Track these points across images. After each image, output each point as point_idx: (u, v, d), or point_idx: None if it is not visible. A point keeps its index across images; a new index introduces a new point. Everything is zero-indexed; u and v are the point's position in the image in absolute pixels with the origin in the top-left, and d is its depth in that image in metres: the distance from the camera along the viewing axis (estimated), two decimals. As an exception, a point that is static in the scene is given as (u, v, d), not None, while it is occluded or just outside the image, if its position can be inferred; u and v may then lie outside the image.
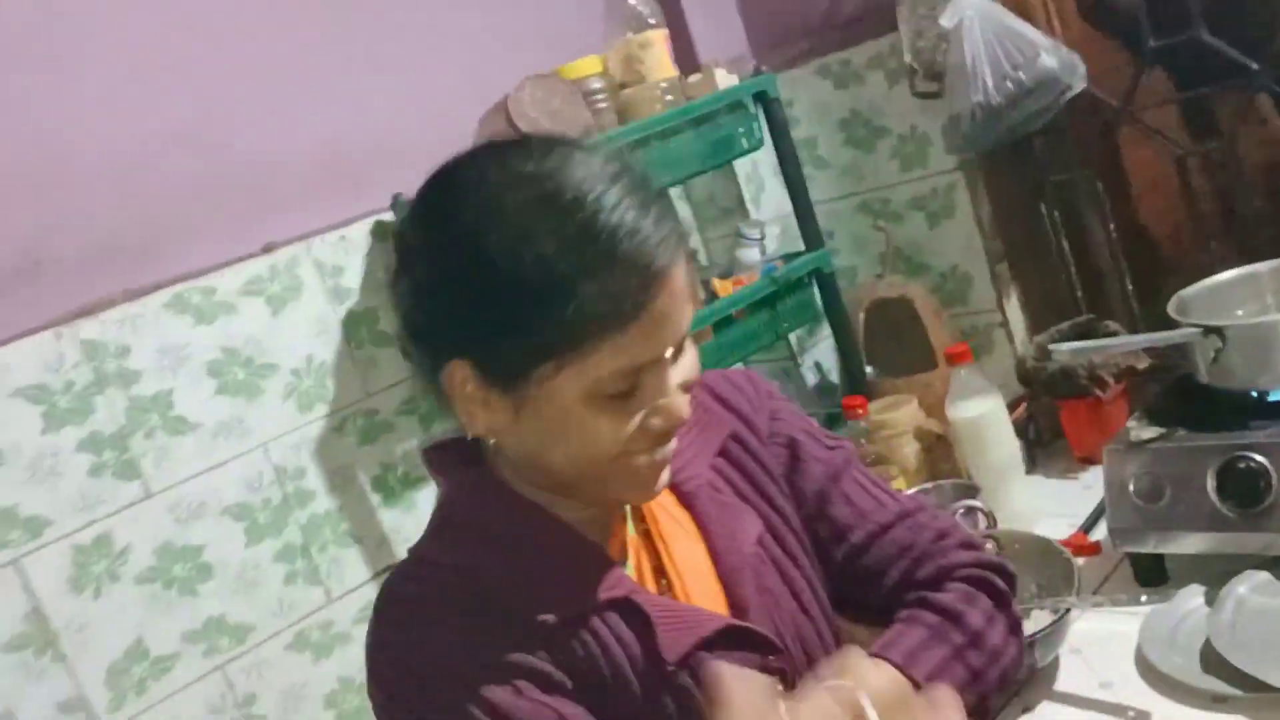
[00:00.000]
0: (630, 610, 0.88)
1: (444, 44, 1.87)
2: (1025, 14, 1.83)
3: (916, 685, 0.88)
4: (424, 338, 0.86)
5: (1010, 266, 2.03)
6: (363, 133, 1.76)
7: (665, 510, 0.97)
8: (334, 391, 1.69)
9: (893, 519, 1.01)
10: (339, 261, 1.71)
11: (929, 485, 1.69)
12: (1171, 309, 1.43)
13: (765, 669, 0.90)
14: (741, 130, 1.89)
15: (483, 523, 0.91)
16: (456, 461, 0.95)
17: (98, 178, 1.54)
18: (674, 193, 2.18)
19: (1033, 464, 1.82)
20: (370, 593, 1.67)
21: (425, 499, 1.76)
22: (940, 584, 0.98)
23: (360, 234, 1.73)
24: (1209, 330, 1.34)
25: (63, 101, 1.52)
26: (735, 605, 0.93)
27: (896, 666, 0.89)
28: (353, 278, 1.72)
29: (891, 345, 2.03)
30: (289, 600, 1.62)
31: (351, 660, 1.66)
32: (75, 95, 1.52)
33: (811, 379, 2.21)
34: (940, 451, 1.76)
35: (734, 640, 0.90)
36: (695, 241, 2.24)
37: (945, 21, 1.77)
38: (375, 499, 1.72)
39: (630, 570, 0.93)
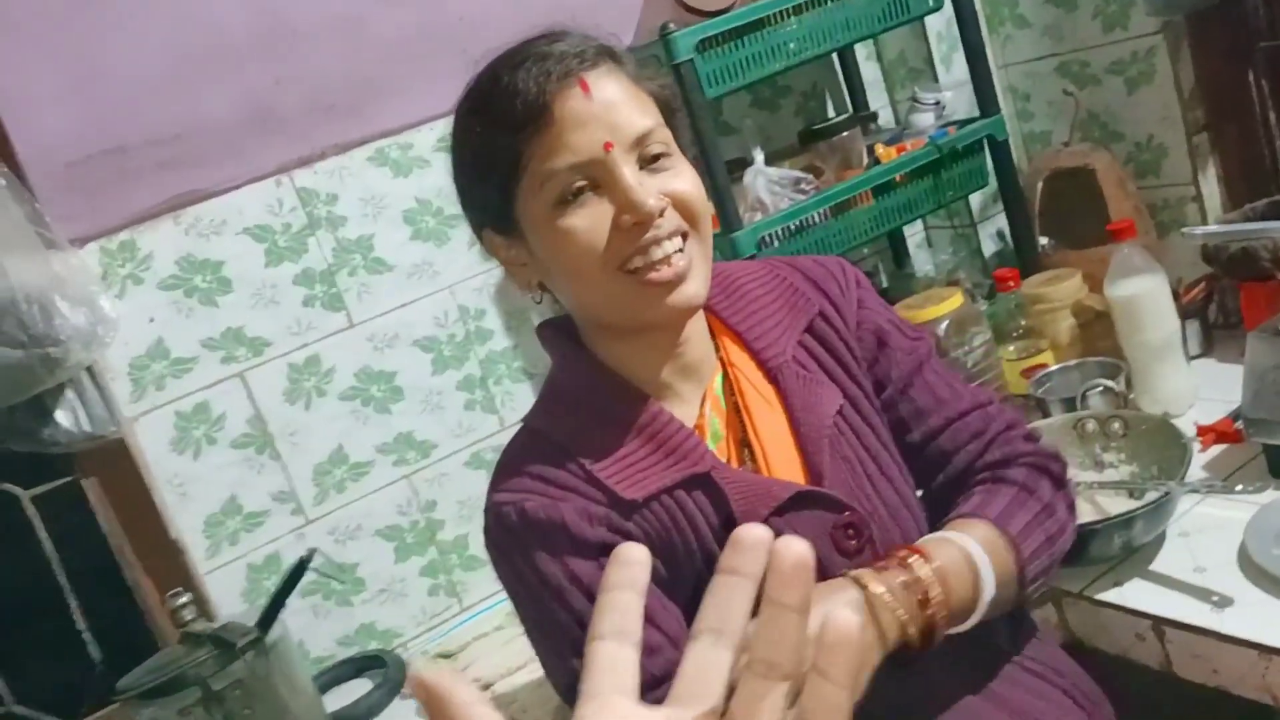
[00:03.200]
0: (710, 485, 0.97)
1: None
2: None
3: (1011, 541, 0.96)
4: (466, 216, 1.02)
5: (1209, 138, 1.92)
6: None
7: (752, 385, 1.04)
8: (513, 241, 1.85)
9: (968, 407, 1.08)
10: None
11: (1073, 362, 1.68)
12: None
13: (837, 525, 0.99)
14: (920, -12, 1.84)
15: (582, 399, 1.02)
16: (562, 338, 1.06)
17: (320, 36, 1.72)
18: (861, 52, 2.17)
19: (1209, 347, 1.77)
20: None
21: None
22: (1007, 466, 1.05)
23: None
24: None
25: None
26: (812, 471, 1.01)
27: (991, 523, 0.97)
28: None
29: (1071, 216, 1.98)
30: (467, 424, 1.84)
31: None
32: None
33: (991, 246, 2.18)
34: (1099, 329, 1.71)
35: (806, 503, 0.99)
36: (883, 102, 2.22)
37: None
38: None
39: (718, 441, 1.02)
